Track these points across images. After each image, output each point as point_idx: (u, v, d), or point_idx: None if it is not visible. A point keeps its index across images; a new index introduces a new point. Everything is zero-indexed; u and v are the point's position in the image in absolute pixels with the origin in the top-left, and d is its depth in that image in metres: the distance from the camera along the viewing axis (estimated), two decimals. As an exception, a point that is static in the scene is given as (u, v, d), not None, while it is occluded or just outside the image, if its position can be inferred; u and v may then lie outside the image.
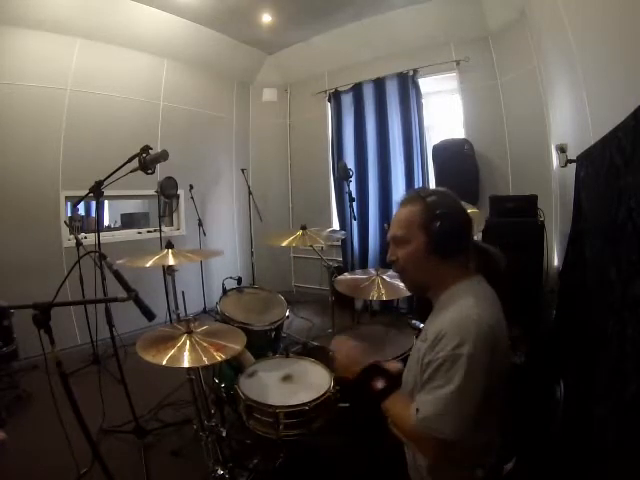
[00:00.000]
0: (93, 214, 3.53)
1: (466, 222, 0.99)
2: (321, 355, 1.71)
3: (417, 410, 0.86)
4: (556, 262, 2.52)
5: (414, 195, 1.03)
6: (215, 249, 4.10)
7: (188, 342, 1.32)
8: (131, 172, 1.91)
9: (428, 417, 0.83)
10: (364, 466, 1.05)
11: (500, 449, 0.97)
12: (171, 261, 1.66)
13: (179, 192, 3.71)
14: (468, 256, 1.00)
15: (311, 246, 2.21)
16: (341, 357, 1.13)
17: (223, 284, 2.32)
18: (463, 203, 1.04)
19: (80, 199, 2.16)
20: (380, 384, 0.98)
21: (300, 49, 4.31)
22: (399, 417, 0.93)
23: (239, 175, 4.44)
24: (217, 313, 2.12)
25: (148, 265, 1.62)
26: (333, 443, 1.21)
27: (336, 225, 4.43)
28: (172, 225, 4.10)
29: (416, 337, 1.25)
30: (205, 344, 1.32)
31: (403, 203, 1.04)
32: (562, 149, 1.90)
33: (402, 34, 3.74)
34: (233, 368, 1.75)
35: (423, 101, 3.73)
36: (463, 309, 0.89)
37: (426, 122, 3.80)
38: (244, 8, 3.44)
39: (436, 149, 3.40)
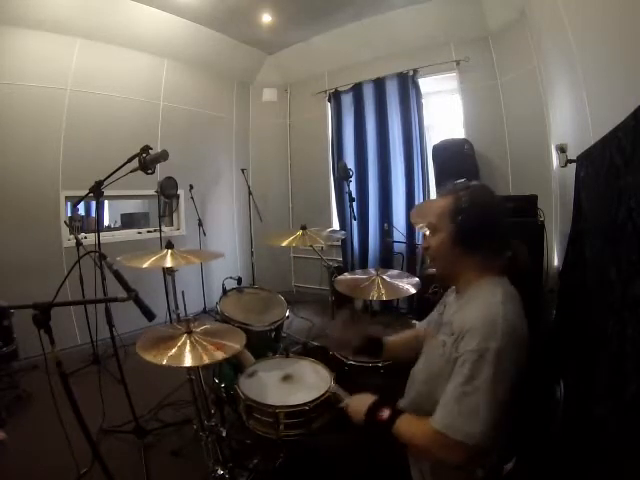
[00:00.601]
0: (93, 214, 3.53)
1: (495, 220, 1.00)
2: (321, 355, 1.71)
3: (440, 411, 0.85)
4: (556, 262, 2.51)
5: (451, 187, 1.07)
6: (215, 250, 4.10)
7: (188, 342, 1.32)
8: (131, 172, 1.91)
9: (454, 420, 0.81)
10: (364, 466, 1.05)
11: (500, 449, 0.97)
12: (169, 263, 1.64)
13: (179, 192, 3.71)
14: (497, 253, 0.99)
15: (311, 246, 2.21)
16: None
17: (223, 284, 2.32)
18: None
19: (80, 199, 2.15)
20: (386, 414, 0.97)
21: (300, 49, 4.31)
22: (416, 434, 0.90)
23: (239, 175, 4.43)
24: (217, 313, 2.12)
25: (145, 266, 1.61)
26: (333, 443, 1.21)
27: (336, 225, 4.43)
28: (172, 225, 4.10)
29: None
30: (205, 344, 1.32)
31: (441, 194, 1.09)
32: (562, 149, 1.90)
33: (402, 34, 3.74)
34: (233, 368, 1.75)
35: (423, 101, 3.73)
36: (491, 306, 0.88)
37: (426, 122, 3.80)
38: (244, 8, 3.44)
39: (436, 149, 3.39)
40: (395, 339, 1.35)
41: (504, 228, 1.02)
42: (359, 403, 1.05)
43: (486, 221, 0.98)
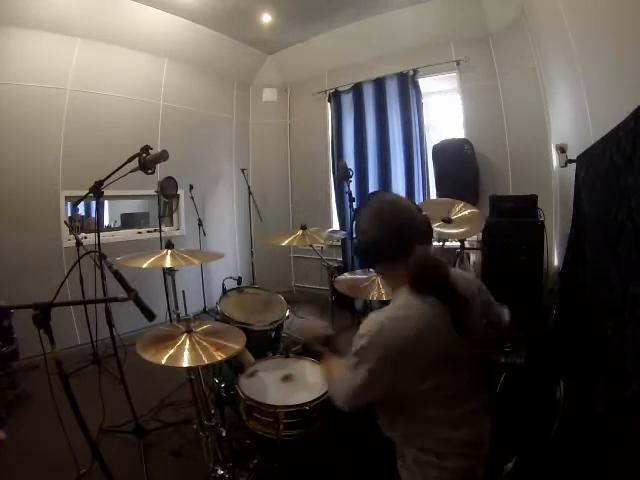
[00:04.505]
0: (93, 214, 3.53)
1: (387, 237, 0.99)
2: (321, 355, 1.71)
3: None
4: (556, 262, 2.52)
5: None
6: (215, 250, 4.10)
7: (188, 341, 1.32)
8: (131, 172, 1.90)
9: (335, 392, 1.05)
10: (364, 466, 1.05)
11: (498, 448, 0.97)
12: (169, 263, 1.63)
13: (179, 192, 3.70)
14: (397, 264, 0.99)
15: (311, 246, 2.21)
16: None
17: (223, 284, 2.32)
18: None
19: (80, 199, 2.15)
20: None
21: (300, 49, 4.31)
22: (331, 373, 1.16)
23: (239, 175, 4.43)
24: (217, 313, 2.12)
25: (145, 266, 1.60)
26: (333, 443, 1.21)
27: (336, 225, 4.43)
28: (172, 225, 4.10)
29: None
30: (205, 343, 1.32)
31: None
32: (562, 149, 1.91)
33: (402, 34, 3.74)
34: (233, 368, 1.75)
35: (423, 101, 3.74)
36: (379, 312, 0.97)
37: (426, 122, 3.80)
38: (244, 8, 3.44)
39: (436, 149, 3.40)
40: None
41: (399, 239, 0.98)
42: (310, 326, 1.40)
43: (374, 241, 1.01)
